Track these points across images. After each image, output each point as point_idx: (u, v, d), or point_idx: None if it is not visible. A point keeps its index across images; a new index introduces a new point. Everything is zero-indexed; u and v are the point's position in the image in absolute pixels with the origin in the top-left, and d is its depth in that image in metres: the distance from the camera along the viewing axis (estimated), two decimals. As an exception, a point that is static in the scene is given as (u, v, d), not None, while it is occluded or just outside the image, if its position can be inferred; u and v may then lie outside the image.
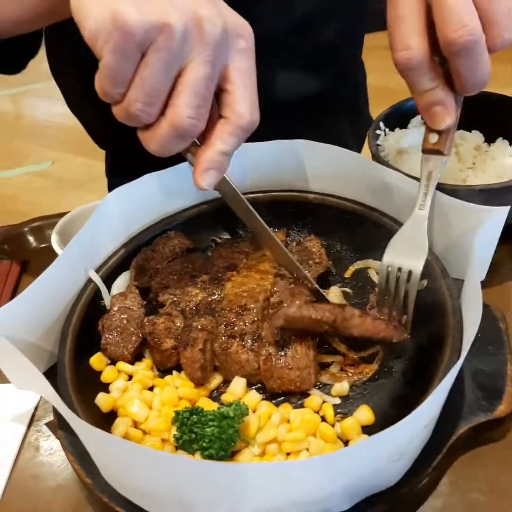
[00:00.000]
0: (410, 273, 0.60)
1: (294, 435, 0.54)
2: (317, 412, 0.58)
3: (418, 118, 0.82)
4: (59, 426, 0.57)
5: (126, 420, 0.58)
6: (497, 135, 0.80)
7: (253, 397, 0.59)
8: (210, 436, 0.52)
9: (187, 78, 0.50)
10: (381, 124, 0.80)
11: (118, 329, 0.65)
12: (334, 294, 0.69)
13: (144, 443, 0.56)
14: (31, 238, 0.89)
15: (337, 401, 0.59)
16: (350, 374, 0.61)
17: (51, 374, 0.58)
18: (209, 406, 0.58)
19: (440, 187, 0.64)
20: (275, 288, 0.65)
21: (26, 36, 0.70)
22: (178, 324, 0.64)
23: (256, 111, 0.54)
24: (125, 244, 0.73)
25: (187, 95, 0.50)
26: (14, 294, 0.80)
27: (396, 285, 0.61)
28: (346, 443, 0.55)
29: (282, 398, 0.60)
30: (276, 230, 0.76)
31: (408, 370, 0.61)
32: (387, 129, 0.80)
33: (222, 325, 0.62)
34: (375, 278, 0.71)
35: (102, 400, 0.60)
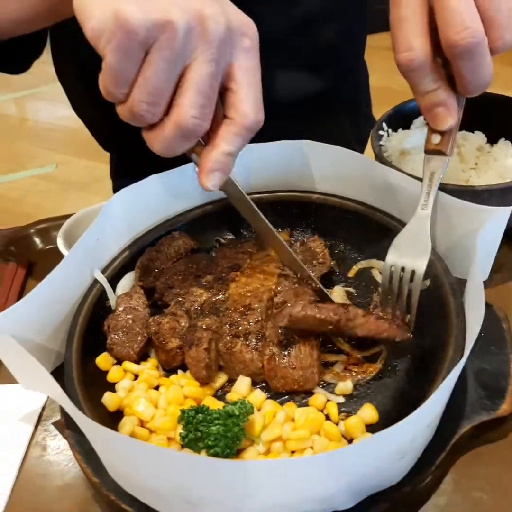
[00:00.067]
0: (413, 273, 0.61)
1: (299, 434, 0.54)
2: (321, 411, 0.58)
3: (420, 119, 0.82)
4: (66, 425, 0.58)
5: (133, 419, 0.58)
6: (499, 136, 0.80)
7: (257, 396, 0.60)
8: (216, 435, 0.53)
9: (191, 76, 0.50)
10: (384, 124, 0.80)
11: (124, 329, 0.65)
12: (337, 293, 0.70)
13: (150, 442, 0.57)
14: (37, 240, 0.90)
15: (341, 400, 0.60)
16: (354, 373, 0.62)
17: (58, 374, 0.59)
18: (214, 405, 0.58)
19: (443, 188, 0.65)
20: (279, 288, 0.66)
21: (30, 36, 0.70)
22: (183, 324, 0.64)
23: (261, 110, 0.54)
24: (130, 245, 0.74)
25: (191, 95, 0.50)
26: (20, 295, 0.81)
27: (399, 285, 0.62)
28: (350, 441, 0.56)
29: (286, 397, 0.61)
30: (280, 230, 0.77)
31: (412, 369, 0.61)
32: (390, 130, 0.81)
33: (227, 325, 0.63)
34: (379, 278, 0.71)
35: (109, 400, 0.60)
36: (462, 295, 0.61)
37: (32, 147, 3.04)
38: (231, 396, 0.60)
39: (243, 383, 0.61)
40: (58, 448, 0.62)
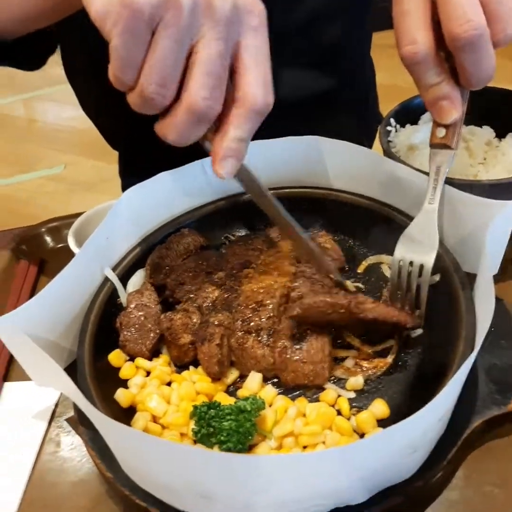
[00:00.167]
0: (421, 267, 0.61)
1: (311, 429, 0.54)
2: (333, 406, 0.59)
3: (428, 114, 0.82)
4: (80, 421, 0.58)
5: (146, 415, 0.59)
6: (507, 130, 0.80)
7: (269, 392, 0.60)
8: (228, 430, 0.53)
9: (199, 56, 0.48)
10: (392, 120, 0.80)
11: (136, 326, 0.66)
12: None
13: (163, 437, 0.57)
14: (48, 239, 0.90)
15: (352, 395, 0.60)
16: (364, 368, 0.62)
17: (70, 372, 0.59)
18: (226, 400, 0.58)
19: (450, 182, 0.65)
20: (295, 284, 0.66)
21: (43, 32, 0.69)
22: (194, 320, 0.65)
23: (270, 91, 0.52)
24: (140, 243, 0.75)
25: (200, 76, 0.49)
26: (32, 293, 0.82)
27: (408, 279, 0.62)
28: (361, 436, 0.56)
29: (297, 392, 0.61)
30: (289, 226, 0.77)
31: (422, 364, 0.61)
32: (397, 126, 0.81)
33: (239, 321, 0.63)
34: (388, 273, 0.71)
35: (122, 396, 0.61)
36: (472, 290, 0.61)
37: (40, 148, 3.05)
38: (242, 392, 0.61)
39: (254, 379, 0.61)
40: (72, 444, 0.63)
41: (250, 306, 0.64)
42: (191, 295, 0.68)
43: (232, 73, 0.52)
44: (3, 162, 2.94)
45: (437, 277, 0.64)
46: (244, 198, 0.78)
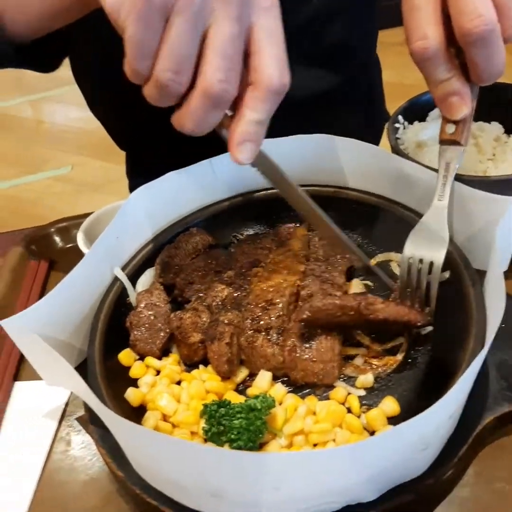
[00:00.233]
0: (431, 264, 0.61)
1: (321, 426, 0.54)
2: (343, 404, 0.59)
3: (436, 111, 0.82)
4: (90, 420, 0.58)
5: (156, 414, 0.59)
6: (516, 126, 0.80)
7: (278, 390, 0.60)
8: (238, 428, 0.53)
9: (213, 39, 0.48)
10: (400, 117, 0.80)
11: (146, 325, 0.66)
12: (356, 286, 0.69)
13: (173, 436, 0.57)
14: (57, 239, 0.91)
15: (362, 393, 0.60)
16: (374, 366, 0.62)
17: (80, 371, 0.59)
18: (235, 399, 0.58)
19: (459, 178, 0.65)
20: (305, 282, 0.66)
21: (58, 33, 0.69)
22: (204, 318, 0.65)
23: (286, 71, 0.51)
24: (149, 242, 0.75)
25: (215, 59, 0.48)
26: (42, 293, 0.82)
27: (418, 277, 0.61)
28: (372, 434, 0.56)
29: (307, 390, 0.61)
30: (298, 224, 0.77)
31: (432, 361, 0.61)
32: (406, 123, 0.81)
33: (248, 320, 0.63)
34: (397, 270, 0.71)
35: (132, 395, 0.61)
36: (482, 286, 0.60)
37: (47, 149, 3.07)
38: (252, 391, 0.61)
39: (264, 378, 0.61)
40: (82, 443, 0.63)
41: (259, 305, 0.64)
42: (201, 294, 0.68)
43: (246, 56, 0.51)
44: (11, 163, 2.96)
45: (447, 274, 0.64)
46: (253, 197, 0.79)
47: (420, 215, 0.66)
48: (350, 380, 0.61)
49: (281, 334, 0.62)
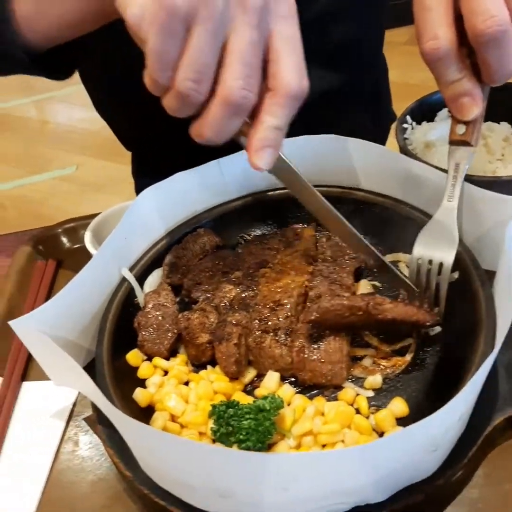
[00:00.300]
0: (441, 265, 0.60)
1: (330, 427, 0.54)
2: (351, 405, 0.58)
3: (445, 111, 0.82)
4: (98, 421, 0.58)
5: (164, 414, 0.59)
6: (525, 126, 0.79)
7: (287, 391, 0.60)
8: (247, 429, 0.53)
9: (233, 47, 0.48)
10: (408, 118, 0.80)
11: (154, 326, 0.66)
12: (363, 287, 0.69)
13: (182, 436, 0.57)
14: (64, 239, 0.91)
15: (370, 393, 0.60)
16: (382, 367, 0.62)
17: (87, 372, 0.60)
18: (244, 399, 0.58)
19: (468, 179, 0.64)
20: (314, 283, 0.66)
21: (73, 41, 0.69)
22: (212, 319, 0.65)
23: (304, 77, 0.51)
24: (156, 243, 0.75)
25: (235, 65, 0.48)
26: (49, 293, 0.82)
27: (427, 277, 0.61)
28: (381, 435, 0.56)
29: (315, 391, 0.61)
30: (305, 225, 0.77)
31: (441, 362, 0.61)
32: (414, 123, 0.80)
33: (256, 320, 0.63)
34: (405, 271, 0.71)
35: (140, 395, 0.61)
36: (492, 287, 0.60)
37: (52, 149, 3.07)
38: (260, 391, 0.60)
39: (272, 378, 0.61)
40: (90, 443, 0.63)
41: (267, 306, 0.64)
42: (208, 295, 0.68)
43: (265, 63, 0.51)
44: (16, 163, 2.97)
45: (456, 275, 0.64)
46: (260, 198, 0.79)
47: (428, 216, 0.66)
48: (358, 381, 0.61)
49: (289, 335, 0.62)
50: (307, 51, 0.92)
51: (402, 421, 0.56)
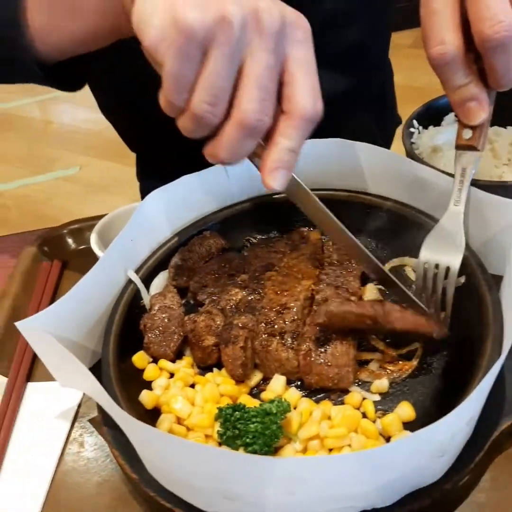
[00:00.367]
0: (447, 269, 0.60)
1: (337, 431, 0.54)
2: (358, 409, 0.58)
3: (451, 116, 0.82)
4: (104, 422, 0.58)
5: (170, 417, 0.59)
6: (532, 131, 0.79)
7: (293, 394, 0.60)
8: (254, 432, 0.53)
9: (249, 71, 0.49)
10: (415, 122, 0.80)
11: (160, 328, 0.66)
12: (370, 291, 0.69)
13: (188, 439, 0.57)
14: (70, 240, 0.91)
15: (377, 398, 0.60)
16: (389, 371, 0.62)
17: (93, 373, 0.60)
18: (250, 402, 0.58)
19: (474, 183, 0.64)
20: (320, 286, 0.66)
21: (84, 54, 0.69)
22: (218, 322, 0.65)
23: (319, 100, 0.51)
24: (162, 245, 0.75)
25: (250, 89, 0.49)
26: (54, 294, 0.83)
27: (433, 282, 0.61)
28: (388, 439, 0.56)
29: (322, 395, 0.61)
30: (311, 229, 0.77)
31: (448, 366, 0.61)
32: (420, 127, 0.80)
33: (263, 323, 0.63)
34: (412, 275, 0.71)
35: (146, 397, 0.61)
36: (499, 292, 0.60)
37: (55, 149, 3.08)
38: (266, 395, 0.60)
39: (278, 382, 0.61)
40: (95, 445, 0.63)
41: (274, 309, 0.64)
42: (214, 297, 0.68)
43: (280, 85, 0.51)
44: (20, 163, 2.98)
45: (462, 279, 0.64)
46: (266, 201, 0.79)
47: (435, 220, 0.66)
48: (365, 385, 0.61)
49: (295, 338, 0.62)
50: (316, 53, 0.92)
51: (409, 426, 0.56)
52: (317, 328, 0.61)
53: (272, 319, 0.63)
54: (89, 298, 0.65)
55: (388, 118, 1.17)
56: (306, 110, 0.50)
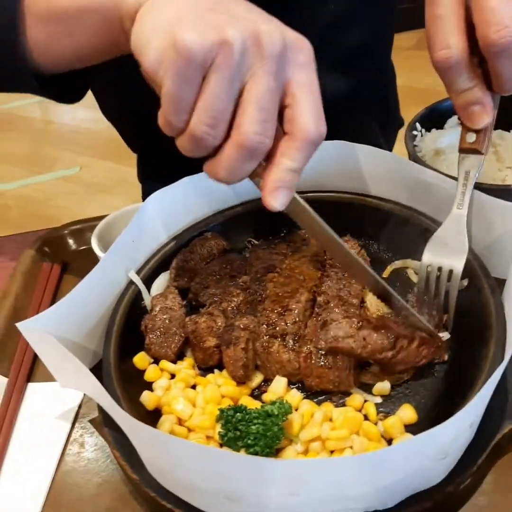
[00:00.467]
0: (450, 272, 0.60)
1: (338, 433, 0.54)
2: (359, 411, 0.58)
3: (454, 119, 0.82)
4: (104, 423, 0.58)
5: (171, 418, 0.59)
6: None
7: (294, 396, 0.60)
8: (255, 434, 0.53)
9: (250, 94, 0.49)
10: (418, 125, 0.80)
11: (161, 329, 0.66)
12: (372, 294, 0.69)
13: (189, 440, 0.57)
14: (70, 241, 0.91)
15: (379, 400, 0.60)
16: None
17: (93, 374, 0.60)
18: (251, 404, 0.58)
19: (478, 187, 0.65)
20: (322, 288, 0.66)
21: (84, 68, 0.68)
22: (219, 323, 0.65)
23: (322, 122, 0.51)
24: (164, 246, 0.75)
25: (251, 111, 0.48)
26: (55, 294, 0.82)
27: (436, 284, 0.61)
28: (389, 441, 0.56)
29: (323, 397, 0.61)
30: (313, 230, 0.77)
31: (450, 369, 0.61)
32: (423, 130, 0.81)
33: (264, 325, 0.63)
34: (414, 278, 0.71)
35: (147, 398, 0.61)
36: (501, 295, 0.60)
37: (56, 149, 3.08)
38: (267, 396, 0.60)
39: (279, 383, 0.61)
40: (96, 445, 0.63)
41: (275, 311, 0.64)
42: (216, 299, 0.68)
43: (283, 108, 0.51)
44: (21, 163, 2.98)
45: (465, 282, 0.64)
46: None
47: (438, 223, 0.66)
48: (367, 387, 0.61)
49: (297, 340, 0.62)
50: (318, 57, 0.92)
51: (411, 428, 0.56)
52: (319, 329, 0.61)
53: (274, 320, 0.63)
54: (90, 299, 0.65)
55: (390, 120, 1.17)
56: (309, 132, 0.50)
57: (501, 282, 0.61)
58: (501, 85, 0.58)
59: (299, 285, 0.67)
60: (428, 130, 0.81)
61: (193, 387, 0.63)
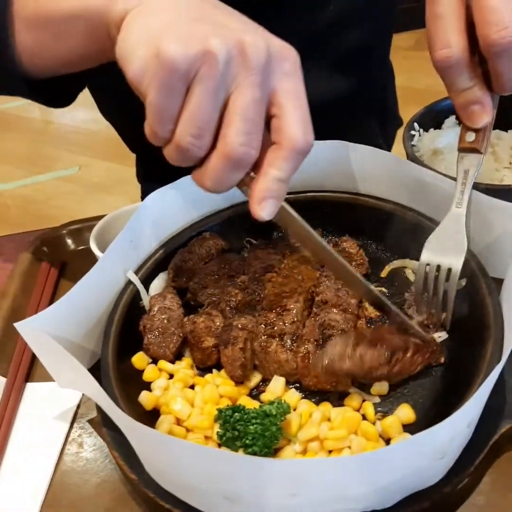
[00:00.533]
0: (449, 271, 0.61)
1: (337, 433, 0.54)
2: (357, 411, 0.58)
3: (452, 118, 0.82)
4: (103, 423, 0.58)
5: (170, 418, 0.59)
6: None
7: (292, 396, 0.60)
8: (253, 434, 0.53)
9: (235, 104, 0.48)
10: (416, 124, 0.80)
11: (160, 329, 0.66)
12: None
13: (187, 440, 0.57)
14: (69, 241, 0.91)
15: (377, 400, 0.60)
16: (389, 373, 0.62)
17: (92, 374, 0.60)
18: (249, 404, 0.58)
19: (475, 186, 0.65)
20: (320, 288, 0.66)
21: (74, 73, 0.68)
22: (218, 323, 0.65)
23: (310, 132, 0.51)
24: (162, 246, 0.75)
25: (237, 122, 0.48)
26: (53, 294, 0.82)
27: (434, 284, 0.61)
28: (387, 441, 0.56)
29: (321, 396, 0.61)
30: (312, 230, 0.77)
31: (448, 369, 0.61)
32: (421, 130, 0.81)
33: (262, 325, 0.63)
34: (412, 277, 0.71)
35: (145, 398, 0.61)
36: (499, 295, 0.60)
37: (55, 149, 3.08)
38: (266, 396, 0.60)
39: (278, 383, 0.61)
40: (94, 445, 0.63)
41: (273, 310, 0.64)
42: (214, 299, 0.68)
43: (270, 118, 0.51)
44: (20, 163, 2.98)
45: (463, 282, 0.64)
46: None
47: (436, 223, 0.66)
48: (365, 387, 0.61)
49: (295, 340, 0.62)
50: (318, 57, 0.92)
51: (409, 428, 0.56)
52: (317, 329, 0.61)
53: (272, 320, 0.63)
54: (88, 299, 0.65)
55: (389, 119, 1.17)
56: (297, 141, 0.50)
57: (499, 282, 0.61)
58: (501, 85, 0.58)
59: (298, 285, 0.67)
60: (426, 130, 0.81)
61: (192, 387, 0.63)
